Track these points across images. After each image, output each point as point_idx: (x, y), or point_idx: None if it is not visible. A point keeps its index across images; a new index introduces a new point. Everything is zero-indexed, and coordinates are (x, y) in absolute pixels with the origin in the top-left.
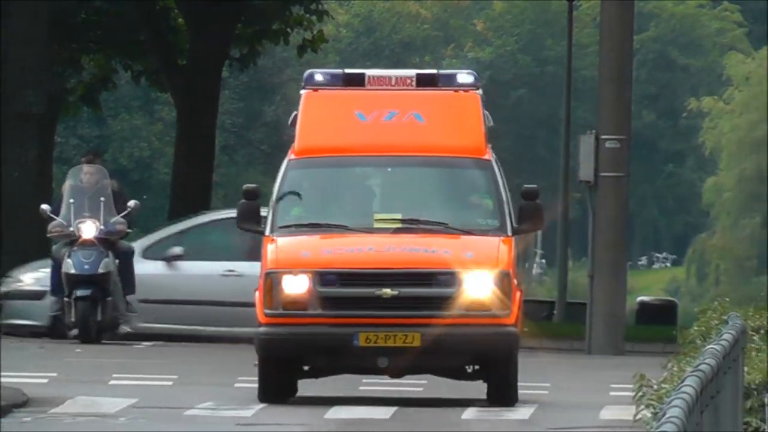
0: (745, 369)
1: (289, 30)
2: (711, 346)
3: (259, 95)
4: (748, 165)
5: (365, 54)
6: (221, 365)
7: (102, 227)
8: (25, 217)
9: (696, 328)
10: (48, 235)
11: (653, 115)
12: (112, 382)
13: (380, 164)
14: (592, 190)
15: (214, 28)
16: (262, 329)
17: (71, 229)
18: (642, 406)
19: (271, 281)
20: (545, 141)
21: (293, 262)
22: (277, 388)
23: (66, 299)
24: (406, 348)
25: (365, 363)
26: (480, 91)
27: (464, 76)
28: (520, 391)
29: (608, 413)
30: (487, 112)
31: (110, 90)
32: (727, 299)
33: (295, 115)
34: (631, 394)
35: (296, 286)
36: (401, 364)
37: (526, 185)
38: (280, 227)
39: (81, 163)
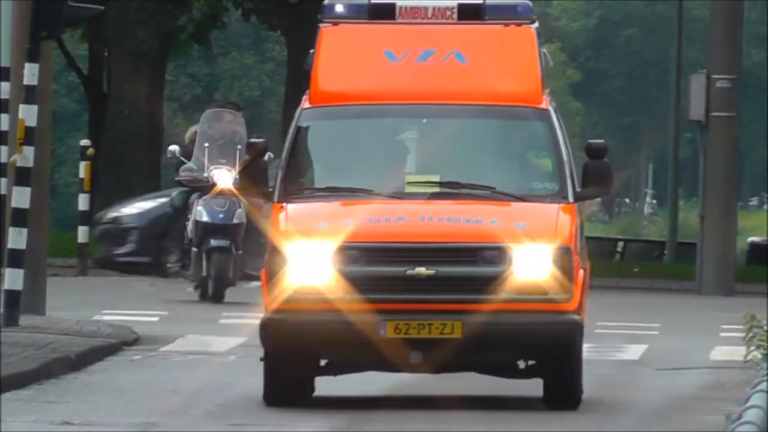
0: None
1: None
2: None
3: None
4: None
5: None
6: None
7: (237, 177)
8: (135, 154)
9: None
10: (177, 179)
11: (763, 55)
12: (222, 321)
13: (413, 114)
14: (703, 130)
15: None
16: (268, 317)
17: (205, 175)
18: (752, 347)
19: (280, 258)
20: (655, 81)
21: (307, 234)
22: (287, 389)
23: (195, 249)
24: (444, 340)
25: (394, 358)
26: (536, 25)
27: (516, 7)
28: (629, 332)
29: (718, 354)
30: (545, 51)
31: (220, 28)
32: None
33: (312, 55)
34: (742, 334)
35: (310, 264)
36: (438, 359)
37: (591, 141)
38: (292, 192)
39: (211, 108)
